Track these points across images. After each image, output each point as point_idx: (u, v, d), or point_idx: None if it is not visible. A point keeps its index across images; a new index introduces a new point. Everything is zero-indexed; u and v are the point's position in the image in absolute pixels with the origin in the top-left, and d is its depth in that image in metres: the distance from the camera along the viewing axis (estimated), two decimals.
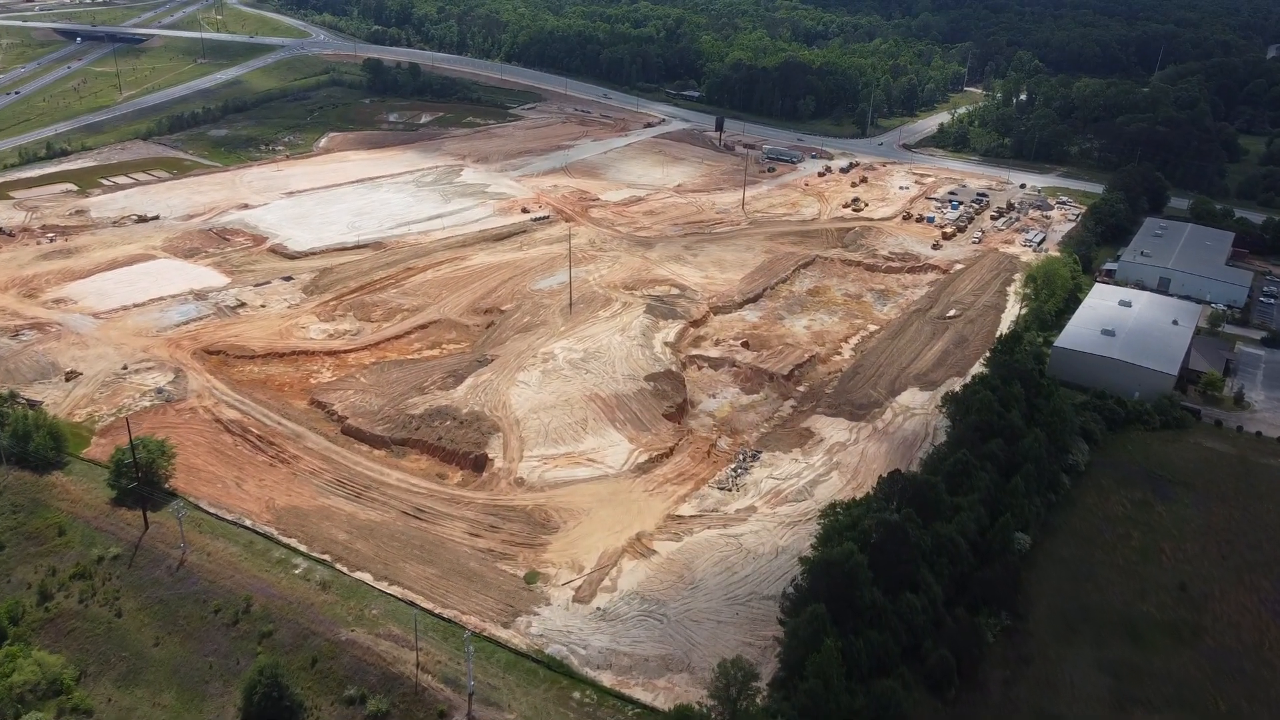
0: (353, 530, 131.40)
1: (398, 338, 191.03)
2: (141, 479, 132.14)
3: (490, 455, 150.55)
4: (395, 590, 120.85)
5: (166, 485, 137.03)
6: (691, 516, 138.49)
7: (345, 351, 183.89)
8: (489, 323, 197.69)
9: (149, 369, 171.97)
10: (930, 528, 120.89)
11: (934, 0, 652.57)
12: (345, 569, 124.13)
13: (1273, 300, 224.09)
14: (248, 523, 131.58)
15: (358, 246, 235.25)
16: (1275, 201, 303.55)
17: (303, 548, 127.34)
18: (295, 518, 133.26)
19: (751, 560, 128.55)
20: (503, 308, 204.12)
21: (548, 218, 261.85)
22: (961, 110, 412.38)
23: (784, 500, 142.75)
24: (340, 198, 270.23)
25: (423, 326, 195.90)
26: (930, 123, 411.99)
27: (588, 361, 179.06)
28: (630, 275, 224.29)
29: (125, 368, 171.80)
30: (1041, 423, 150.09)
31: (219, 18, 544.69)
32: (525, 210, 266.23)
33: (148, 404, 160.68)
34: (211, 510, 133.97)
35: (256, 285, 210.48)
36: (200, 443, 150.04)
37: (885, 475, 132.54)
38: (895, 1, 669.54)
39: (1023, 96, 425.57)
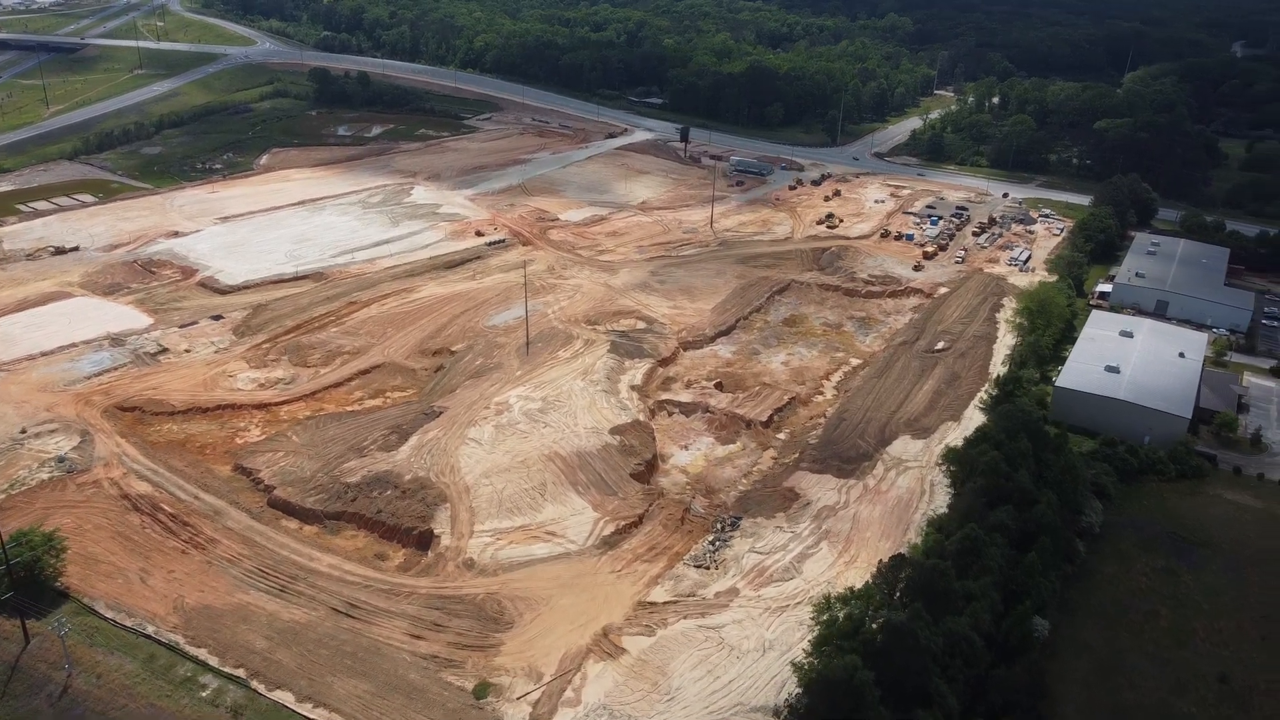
0: (274, 635, 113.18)
1: (337, 386, 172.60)
2: (20, 583, 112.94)
3: (437, 531, 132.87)
4: (320, 715, 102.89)
5: (57, 583, 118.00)
6: (666, 603, 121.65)
7: (277, 404, 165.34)
8: (438, 366, 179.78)
9: (51, 432, 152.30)
10: (941, 624, 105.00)
11: (900, 0, 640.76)
12: (263, 687, 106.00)
13: (1277, 323, 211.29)
14: (150, 630, 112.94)
15: (297, 278, 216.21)
16: (1265, 211, 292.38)
17: (213, 661, 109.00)
18: (207, 621, 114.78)
19: (735, 660, 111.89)
20: (453, 348, 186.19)
21: (504, 241, 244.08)
22: (933, 115, 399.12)
23: (769, 580, 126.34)
24: (280, 222, 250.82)
25: (365, 372, 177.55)
26: (902, 128, 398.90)
27: (546, 413, 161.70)
28: (593, 306, 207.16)
29: (24, 431, 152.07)
30: (1051, 481, 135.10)
31: (160, 24, 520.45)
32: (480, 233, 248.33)
33: (46, 476, 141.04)
34: (109, 614, 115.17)
35: (182, 326, 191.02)
36: (103, 525, 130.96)
37: (887, 561, 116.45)
38: (861, 2, 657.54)
39: (995, 100, 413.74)
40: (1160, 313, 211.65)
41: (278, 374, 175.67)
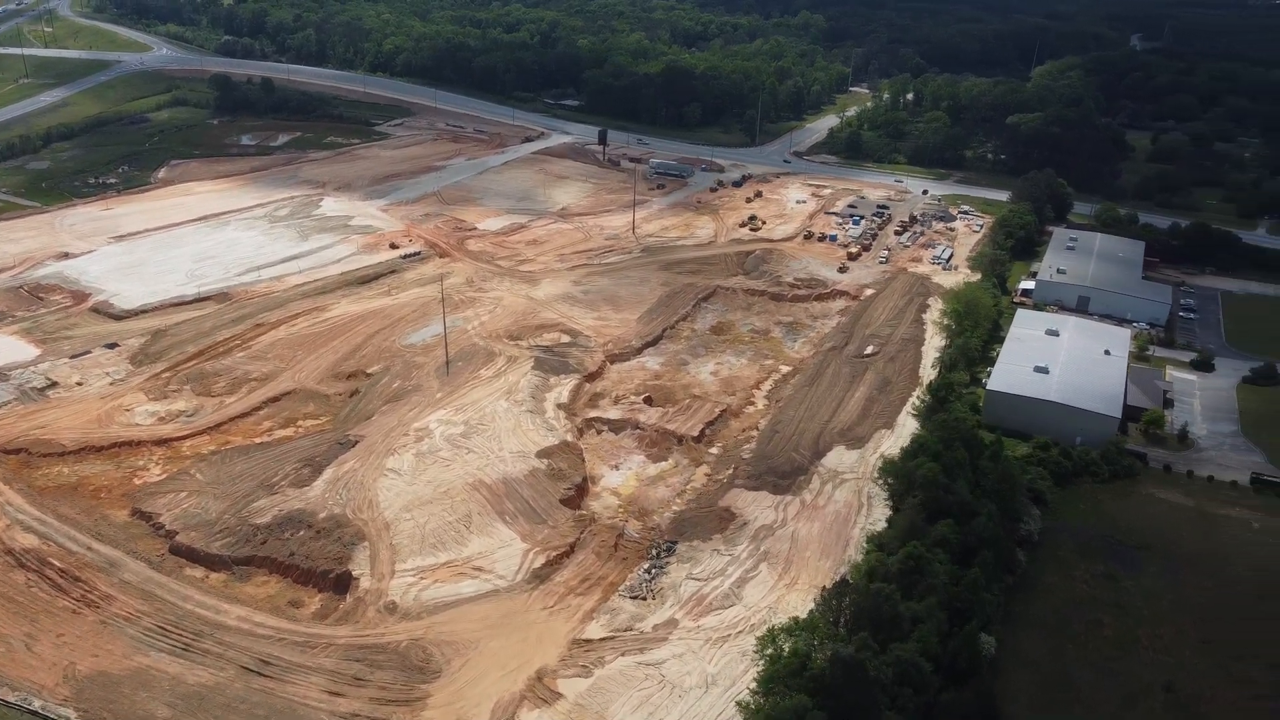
0: (178, 702, 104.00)
1: (244, 416, 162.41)
2: None
3: (355, 572, 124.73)
4: None
5: None
6: (602, 640, 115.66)
7: (179, 439, 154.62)
8: (353, 390, 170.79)
9: None
10: (889, 651, 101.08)
11: None
12: None
13: (1193, 315, 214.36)
14: (38, 704, 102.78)
15: (199, 300, 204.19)
16: (1172, 202, 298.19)
17: None
18: (102, 690, 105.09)
19: (678, 699, 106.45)
20: (369, 370, 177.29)
21: (419, 254, 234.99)
22: (850, 112, 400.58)
23: (708, 608, 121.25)
24: (180, 240, 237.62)
25: (274, 399, 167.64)
26: (819, 126, 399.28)
27: (469, 437, 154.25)
28: (514, 321, 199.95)
29: None
30: (990, 490, 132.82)
31: (48, 30, 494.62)
32: (394, 246, 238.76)
33: None
34: None
35: (73, 357, 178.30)
36: None
37: (830, 587, 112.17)
38: (774, 0, 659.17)
39: (910, 96, 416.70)
40: (1082, 308, 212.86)
41: (179, 405, 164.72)
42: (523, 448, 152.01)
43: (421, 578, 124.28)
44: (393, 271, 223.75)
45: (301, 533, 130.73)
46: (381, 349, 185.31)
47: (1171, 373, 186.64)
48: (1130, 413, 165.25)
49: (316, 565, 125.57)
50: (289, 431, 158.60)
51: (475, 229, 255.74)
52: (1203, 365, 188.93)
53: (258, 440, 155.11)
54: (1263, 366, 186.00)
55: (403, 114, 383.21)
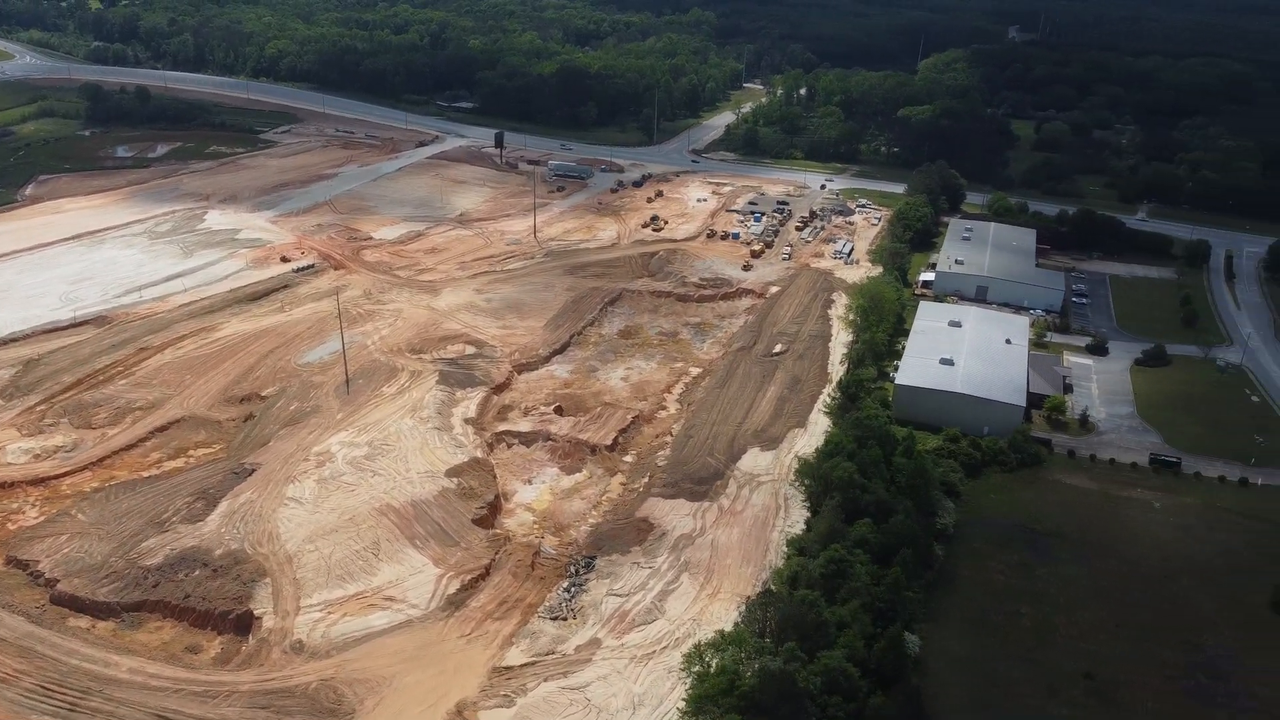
0: None
1: (129, 448, 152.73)
2: None
3: (257, 611, 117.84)
4: None
5: None
6: (524, 666, 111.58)
7: (58, 476, 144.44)
8: (247, 415, 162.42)
9: None
10: (817, 660, 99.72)
11: None
12: None
13: (1085, 300, 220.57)
14: None
15: (75, 325, 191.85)
16: (1058, 190, 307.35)
17: None
18: None
19: None
20: (264, 393, 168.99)
21: (313, 266, 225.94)
22: (746, 109, 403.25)
23: (631, 625, 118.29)
24: (52, 261, 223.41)
25: (162, 429, 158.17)
26: (716, 123, 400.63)
27: (374, 459, 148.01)
28: (416, 333, 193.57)
29: None
30: (904, 486, 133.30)
31: None
32: (285, 259, 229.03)
33: None
34: None
35: None
36: None
37: (754, 598, 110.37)
38: None
39: (803, 92, 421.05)
40: (981, 298, 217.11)
41: (56, 440, 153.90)
42: (431, 467, 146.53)
43: (329, 612, 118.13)
44: (285, 286, 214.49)
45: (197, 572, 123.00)
46: (276, 369, 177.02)
47: (1069, 358, 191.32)
48: (1033, 400, 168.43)
49: (215, 606, 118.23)
50: (179, 463, 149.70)
51: (371, 238, 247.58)
52: (1097, 349, 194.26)
53: (145, 474, 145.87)
54: (1153, 348, 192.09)
55: (289, 120, 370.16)
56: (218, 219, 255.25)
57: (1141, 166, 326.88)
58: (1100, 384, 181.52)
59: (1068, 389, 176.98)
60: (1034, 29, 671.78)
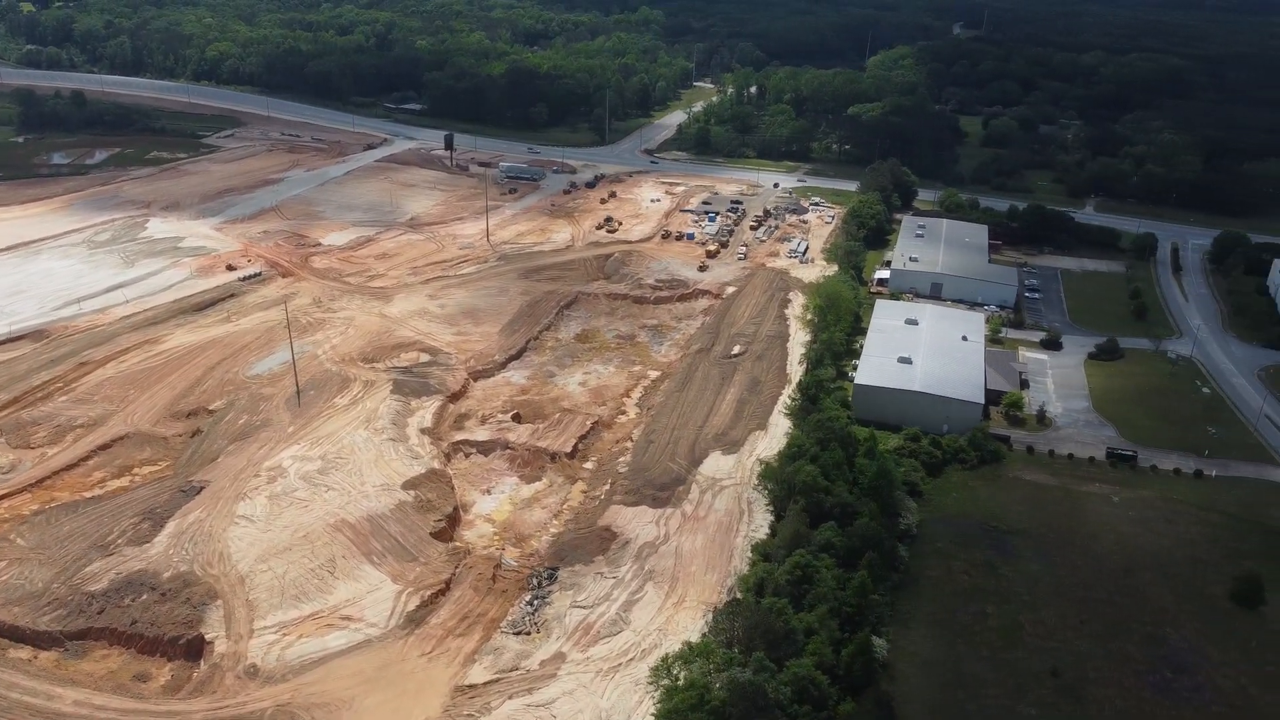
0: None
1: (70, 468, 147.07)
2: None
3: (209, 636, 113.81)
4: None
5: None
6: (487, 684, 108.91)
7: None
8: (194, 430, 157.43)
9: None
10: (786, 669, 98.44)
11: None
12: None
13: (1038, 295, 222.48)
14: None
15: (10, 340, 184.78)
16: (1007, 185, 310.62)
17: None
18: None
19: None
20: (211, 407, 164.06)
21: (260, 274, 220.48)
22: (697, 108, 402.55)
23: (596, 637, 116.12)
24: None
25: (105, 446, 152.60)
26: (668, 122, 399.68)
27: (328, 473, 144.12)
28: (368, 341, 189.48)
29: None
30: (867, 488, 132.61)
31: None
32: (231, 267, 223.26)
33: None
34: None
35: None
36: None
37: (721, 607, 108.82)
38: None
39: (753, 90, 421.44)
40: (935, 294, 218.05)
41: None
42: (387, 480, 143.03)
43: (284, 634, 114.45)
44: (231, 296, 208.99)
45: (144, 597, 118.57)
46: (224, 382, 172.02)
47: (1024, 353, 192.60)
48: (991, 396, 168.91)
49: (164, 632, 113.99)
50: (124, 482, 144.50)
51: (320, 245, 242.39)
52: (1051, 344, 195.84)
53: (88, 495, 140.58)
54: (1105, 342, 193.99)
55: (233, 125, 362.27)
56: (160, 227, 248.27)
57: (1087, 161, 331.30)
58: (1056, 379, 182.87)
59: (1024, 384, 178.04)
60: (977, 25, 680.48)
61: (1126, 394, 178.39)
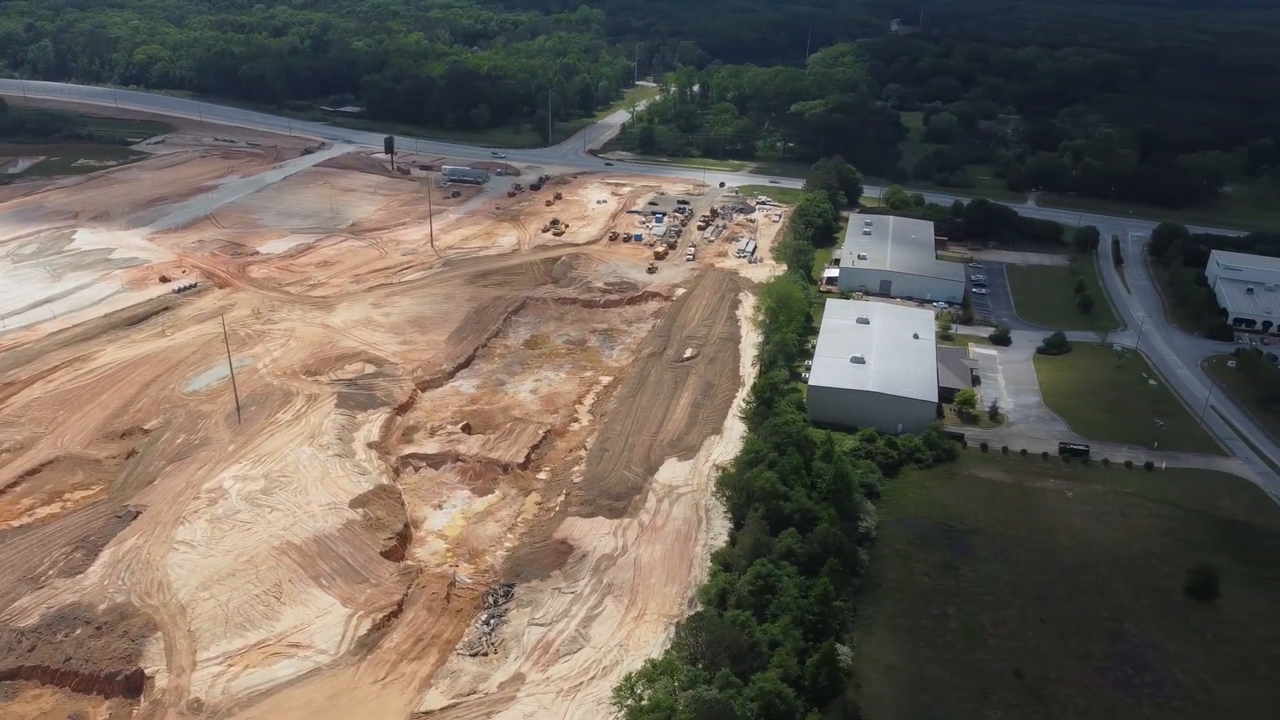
0: None
1: None
2: None
3: (149, 670, 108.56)
4: None
5: None
6: (444, 709, 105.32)
7: None
8: (129, 452, 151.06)
9: None
10: (751, 684, 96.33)
11: None
12: None
13: (984, 290, 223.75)
14: None
15: None
16: (950, 181, 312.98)
17: None
18: None
19: None
20: (147, 426, 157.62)
21: (195, 286, 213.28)
22: (640, 107, 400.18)
23: (556, 656, 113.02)
24: None
25: (33, 471, 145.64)
26: (611, 121, 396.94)
27: (271, 493, 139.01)
28: (311, 353, 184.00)
29: None
30: (826, 492, 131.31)
31: None
32: (165, 279, 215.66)
33: None
34: None
35: None
36: None
37: (684, 623, 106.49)
38: None
39: (696, 89, 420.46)
40: (884, 292, 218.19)
41: None
42: (333, 498, 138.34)
43: (230, 665, 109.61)
44: (166, 309, 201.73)
45: (78, 631, 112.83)
46: (160, 400, 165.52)
47: (974, 350, 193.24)
48: (943, 394, 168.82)
49: (100, 668, 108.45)
50: (54, 508, 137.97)
51: (258, 253, 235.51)
52: (1001, 340, 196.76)
53: (15, 523, 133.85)
54: (1054, 336, 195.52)
55: (164, 130, 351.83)
56: (88, 238, 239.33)
57: (1027, 155, 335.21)
58: (1006, 374, 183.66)
59: (975, 381, 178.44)
60: (914, 21, 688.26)
61: (1076, 388, 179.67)
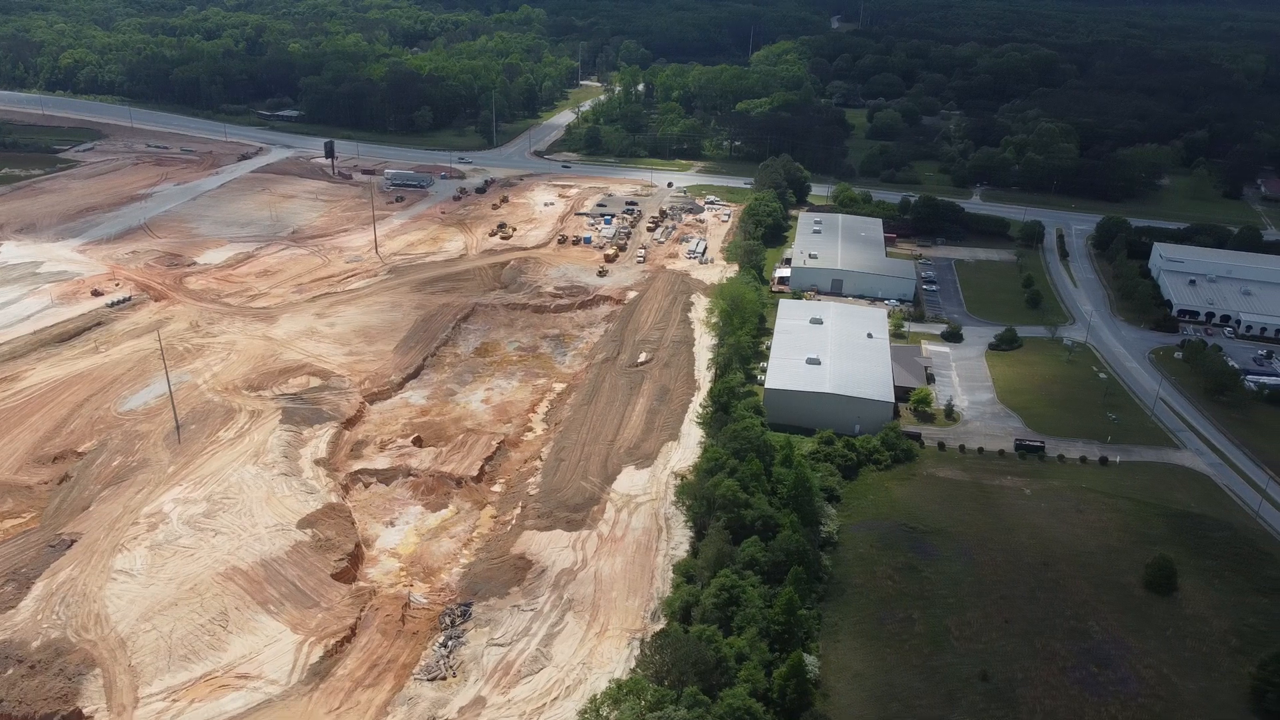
0: None
1: None
2: None
3: (87, 710, 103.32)
4: None
5: None
6: None
7: None
8: (62, 476, 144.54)
9: None
10: (720, 700, 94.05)
11: None
12: None
13: (935, 287, 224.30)
14: None
15: None
16: (896, 177, 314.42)
17: None
18: None
19: None
20: (80, 449, 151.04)
21: (130, 300, 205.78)
22: (585, 107, 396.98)
23: (518, 677, 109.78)
24: None
25: None
26: (557, 122, 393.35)
27: (215, 516, 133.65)
28: (253, 367, 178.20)
29: None
30: (787, 498, 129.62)
31: None
32: (98, 293, 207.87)
33: None
34: None
35: None
36: None
37: (650, 640, 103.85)
38: None
39: (641, 88, 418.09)
40: (836, 291, 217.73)
41: None
42: (280, 519, 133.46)
43: (174, 700, 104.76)
44: (99, 324, 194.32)
45: (10, 671, 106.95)
46: (94, 420, 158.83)
47: (927, 347, 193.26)
48: (899, 393, 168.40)
49: (34, 710, 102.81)
50: None
51: (195, 264, 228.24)
52: (953, 337, 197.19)
53: None
54: (1004, 332, 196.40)
55: (93, 137, 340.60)
56: (14, 251, 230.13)
57: (971, 151, 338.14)
58: (959, 371, 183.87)
59: (930, 379, 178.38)
60: (855, 18, 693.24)
61: (1028, 383, 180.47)
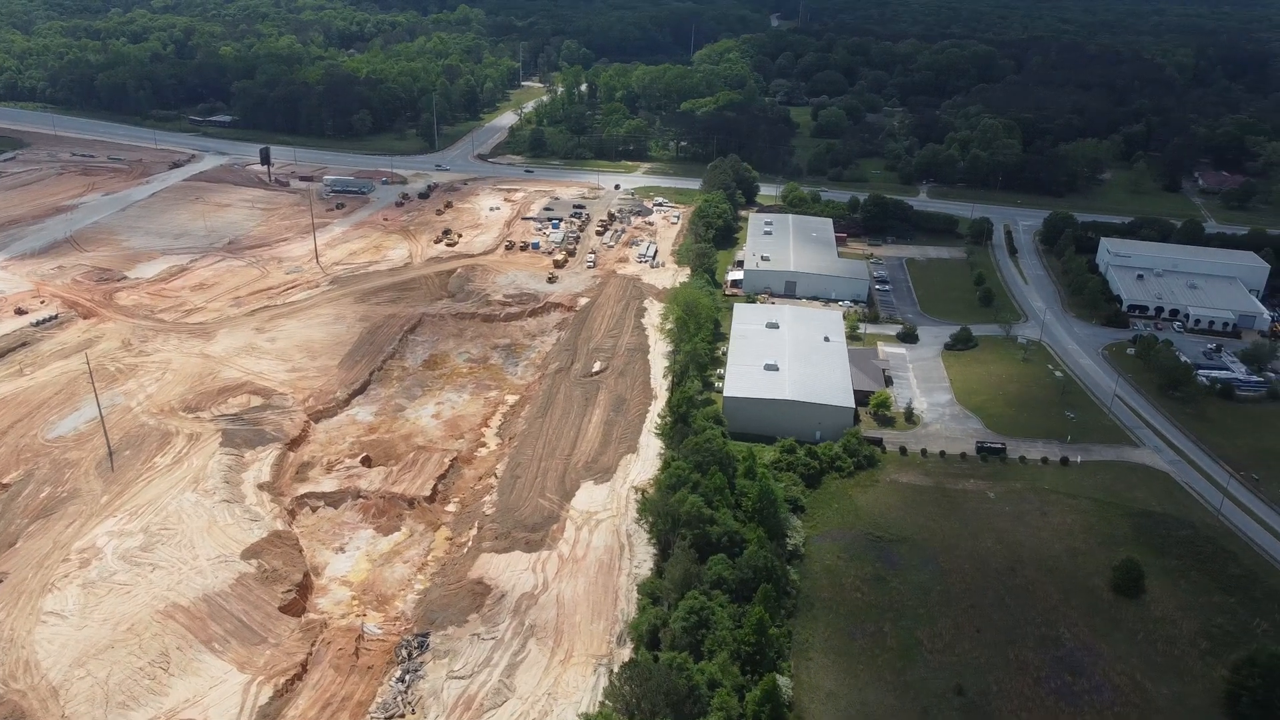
0: None
1: None
2: None
3: None
4: None
5: None
6: None
7: None
8: None
9: None
10: None
11: None
12: None
13: (888, 286, 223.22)
14: None
15: None
16: (844, 176, 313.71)
17: None
18: None
19: None
20: (4, 480, 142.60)
21: (56, 318, 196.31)
22: (528, 108, 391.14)
23: (480, 711, 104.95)
24: None
25: None
26: (499, 124, 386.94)
27: (152, 549, 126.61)
28: (190, 386, 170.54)
29: None
30: (751, 511, 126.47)
31: None
32: (21, 311, 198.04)
33: None
34: None
35: None
36: None
37: (619, 671, 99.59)
38: None
39: (584, 88, 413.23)
40: (790, 293, 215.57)
41: None
42: (223, 550, 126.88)
43: None
44: (23, 344, 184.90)
45: None
46: (19, 448, 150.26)
47: (884, 349, 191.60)
48: (858, 397, 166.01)
49: None
50: None
51: (126, 278, 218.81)
52: (908, 337, 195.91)
53: None
54: (959, 331, 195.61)
55: (14, 146, 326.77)
56: None
57: (915, 148, 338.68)
58: (917, 373, 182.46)
59: (888, 382, 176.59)
60: (794, 16, 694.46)
61: (985, 383, 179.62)
